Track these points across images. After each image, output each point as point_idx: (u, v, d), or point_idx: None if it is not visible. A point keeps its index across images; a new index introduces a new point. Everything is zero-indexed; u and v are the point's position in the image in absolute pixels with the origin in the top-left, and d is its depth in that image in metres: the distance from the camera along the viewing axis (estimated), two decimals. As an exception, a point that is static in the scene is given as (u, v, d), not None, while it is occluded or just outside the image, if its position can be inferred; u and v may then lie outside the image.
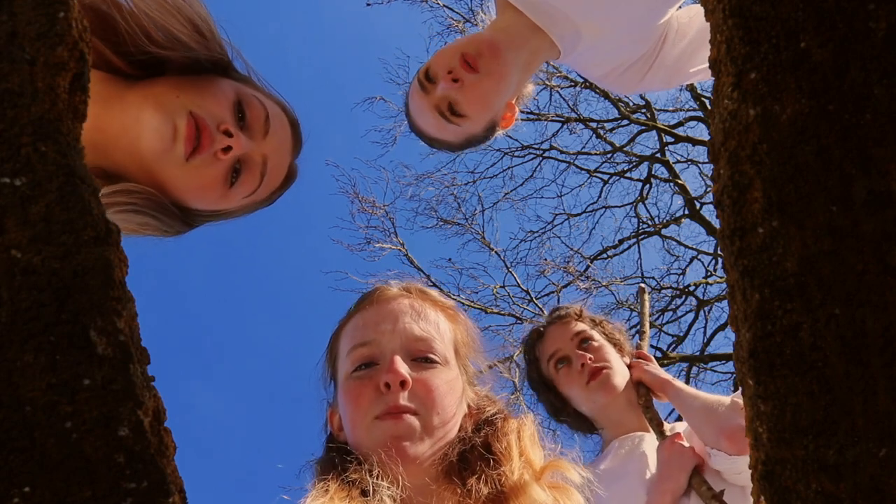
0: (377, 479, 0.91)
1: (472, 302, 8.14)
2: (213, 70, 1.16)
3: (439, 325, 1.10)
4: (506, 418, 1.05)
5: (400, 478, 0.92)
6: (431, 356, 1.05)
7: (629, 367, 1.89)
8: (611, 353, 1.88)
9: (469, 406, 1.08)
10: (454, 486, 0.96)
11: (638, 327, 2.25)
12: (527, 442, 1.01)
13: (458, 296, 8.12)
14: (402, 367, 1.00)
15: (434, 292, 1.16)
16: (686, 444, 1.63)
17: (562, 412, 1.91)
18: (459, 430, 1.03)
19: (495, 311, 8.14)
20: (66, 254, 0.36)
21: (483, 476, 0.95)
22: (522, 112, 1.66)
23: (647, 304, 2.24)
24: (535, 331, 1.99)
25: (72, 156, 0.38)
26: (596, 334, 1.92)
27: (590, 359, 1.84)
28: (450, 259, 8.39)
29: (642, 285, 2.36)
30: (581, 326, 1.93)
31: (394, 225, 8.47)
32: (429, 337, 1.06)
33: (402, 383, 0.99)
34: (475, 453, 0.99)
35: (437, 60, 1.48)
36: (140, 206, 1.08)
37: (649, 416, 1.76)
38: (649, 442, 1.77)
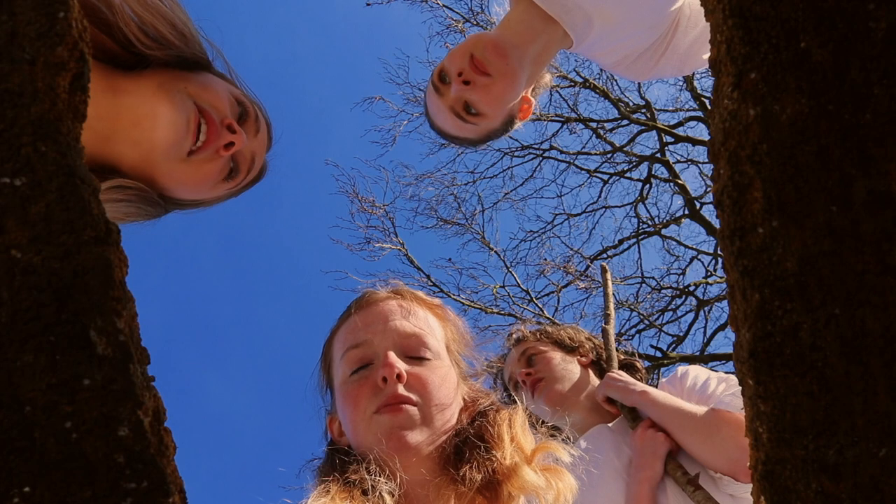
0: (375, 475, 0.92)
1: (472, 302, 8.14)
2: (197, 68, 1.18)
3: (429, 322, 1.12)
4: (498, 409, 1.07)
5: (398, 472, 0.93)
6: (424, 351, 1.06)
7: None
8: (552, 361, 1.89)
9: (464, 399, 1.10)
10: (450, 475, 0.97)
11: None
12: (518, 429, 1.03)
13: (458, 296, 8.12)
14: (397, 362, 1.02)
15: (421, 293, 1.18)
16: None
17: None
18: (456, 423, 1.04)
19: (495, 311, 8.14)
20: (66, 254, 0.36)
21: (476, 463, 0.96)
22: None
23: (609, 283, 2.13)
24: (500, 357, 2.03)
25: (72, 156, 0.38)
26: (542, 346, 1.94)
27: (527, 374, 1.87)
28: (450, 259, 8.41)
29: (604, 264, 2.29)
30: (526, 345, 1.96)
31: (394, 225, 8.47)
32: (420, 332, 1.08)
33: (398, 376, 1.00)
34: (469, 443, 1.00)
35: (449, 62, 1.51)
36: (131, 200, 1.11)
37: (620, 405, 1.73)
38: (607, 435, 1.72)
